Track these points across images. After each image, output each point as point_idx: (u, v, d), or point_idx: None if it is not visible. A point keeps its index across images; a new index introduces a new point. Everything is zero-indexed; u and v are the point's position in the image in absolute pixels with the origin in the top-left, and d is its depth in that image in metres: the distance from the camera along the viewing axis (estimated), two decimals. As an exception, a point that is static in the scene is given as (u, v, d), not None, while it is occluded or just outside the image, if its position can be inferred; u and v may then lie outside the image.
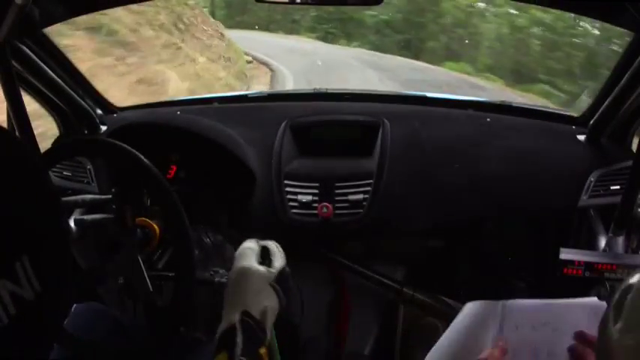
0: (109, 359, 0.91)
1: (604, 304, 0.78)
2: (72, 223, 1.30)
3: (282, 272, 0.77)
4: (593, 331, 0.73)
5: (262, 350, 0.68)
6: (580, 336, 0.75)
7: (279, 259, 0.79)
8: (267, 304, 0.72)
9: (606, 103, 1.26)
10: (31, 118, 1.08)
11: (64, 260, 0.43)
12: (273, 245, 0.82)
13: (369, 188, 1.29)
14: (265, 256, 0.80)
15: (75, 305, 1.08)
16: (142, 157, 0.89)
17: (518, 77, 9.60)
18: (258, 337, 0.69)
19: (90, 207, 1.24)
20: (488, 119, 1.45)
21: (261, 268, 0.75)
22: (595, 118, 1.33)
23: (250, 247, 0.80)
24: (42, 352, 0.41)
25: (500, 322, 0.82)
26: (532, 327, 0.82)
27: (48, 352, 0.42)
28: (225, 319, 0.70)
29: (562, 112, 1.51)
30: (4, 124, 1.20)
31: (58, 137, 1.47)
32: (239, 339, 0.66)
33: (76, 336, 0.89)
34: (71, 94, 1.38)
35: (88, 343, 0.90)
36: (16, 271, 0.36)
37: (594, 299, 0.81)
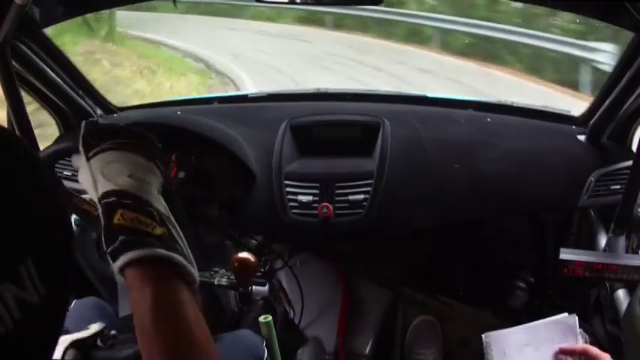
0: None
1: (574, 317, 0.92)
2: (72, 223, 1.30)
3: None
4: (567, 342, 0.91)
5: None
6: (562, 351, 0.90)
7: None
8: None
9: (607, 103, 1.26)
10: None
11: (68, 262, 0.42)
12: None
13: (369, 188, 1.29)
14: None
15: (75, 301, 1.08)
16: None
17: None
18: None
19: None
20: (488, 119, 1.45)
21: None
22: (595, 118, 1.33)
23: None
24: (46, 354, 0.40)
25: (489, 351, 0.92)
26: (517, 350, 0.95)
27: (52, 354, 0.41)
28: None
29: (562, 112, 1.50)
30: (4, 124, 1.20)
31: (58, 137, 1.47)
32: None
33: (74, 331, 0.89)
34: (71, 94, 1.38)
35: None
36: (21, 274, 0.35)
37: (564, 315, 0.94)
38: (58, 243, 0.40)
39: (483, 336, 0.95)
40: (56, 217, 0.41)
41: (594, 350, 0.85)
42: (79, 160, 0.62)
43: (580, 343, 0.89)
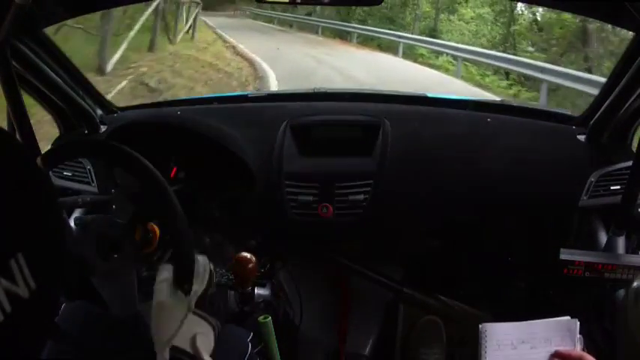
0: (100, 358, 0.91)
1: (575, 321, 0.90)
2: (72, 223, 1.30)
3: (203, 296, 0.76)
4: (565, 346, 0.88)
5: None
6: (558, 354, 0.88)
7: (199, 283, 0.77)
8: (194, 332, 0.72)
9: (607, 103, 1.26)
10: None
11: (58, 258, 0.43)
12: (201, 263, 0.79)
13: (369, 188, 1.29)
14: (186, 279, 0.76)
15: (64, 305, 1.07)
16: (142, 158, 0.89)
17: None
18: None
19: (90, 207, 1.24)
20: (488, 119, 1.45)
21: (176, 300, 0.74)
22: (595, 118, 1.33)
23: (162, 278, 0.78)
24: (36, 348, 0.41)
25: (483, 342, 0.92)
26: (512, 345, 0.92)
27: (42, 348, 0.42)
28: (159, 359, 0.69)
29: (562, 112, 1.50)
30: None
31: (58, 137, 1.47)
32: None
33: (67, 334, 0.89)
34: (71, 94, 1.38)
35: (80, 342, 0.90)
36: (11, 268, 0.36)
37: (566, 318, 0.91)
38: (49, 240, 0.41)
39: (480, 326, 0.95)
40: (49, 215, 0.42)
41: (590, 359, 0.85)
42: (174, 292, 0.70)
43: (578, 348, 0.88)
